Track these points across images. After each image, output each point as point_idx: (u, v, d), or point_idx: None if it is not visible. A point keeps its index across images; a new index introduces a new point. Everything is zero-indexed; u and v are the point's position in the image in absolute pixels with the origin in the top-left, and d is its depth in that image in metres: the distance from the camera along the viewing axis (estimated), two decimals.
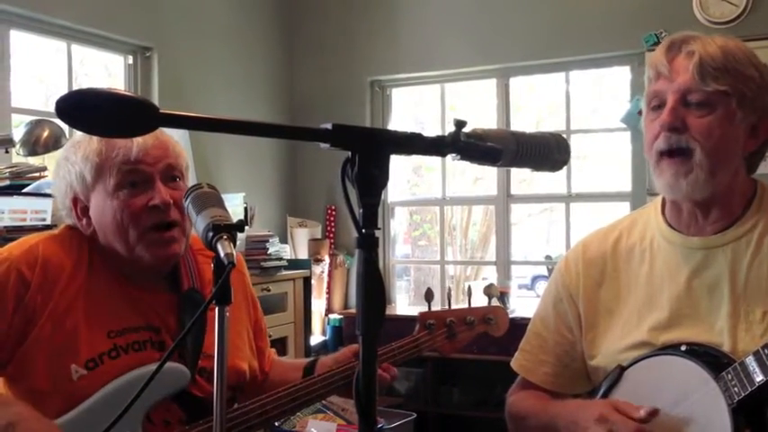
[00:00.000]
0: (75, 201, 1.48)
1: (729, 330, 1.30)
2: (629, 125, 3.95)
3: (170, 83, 3.85)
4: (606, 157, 5.73)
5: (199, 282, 1.54)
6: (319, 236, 4.53)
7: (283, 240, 4.22)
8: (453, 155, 0.97)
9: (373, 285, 0.90)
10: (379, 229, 0.90)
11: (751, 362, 1.20)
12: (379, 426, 3.12)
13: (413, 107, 5.56)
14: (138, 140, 1.43)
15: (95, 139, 1.44)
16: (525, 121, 5.67)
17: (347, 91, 4.63)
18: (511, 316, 4.03)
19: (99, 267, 1.47)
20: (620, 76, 4.25)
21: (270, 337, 3.36)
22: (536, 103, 6.28)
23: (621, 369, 1.39)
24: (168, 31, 3.86)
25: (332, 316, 4.39)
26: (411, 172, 6.07)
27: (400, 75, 4.61)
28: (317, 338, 4.27)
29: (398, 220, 4.94)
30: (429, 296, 1.73)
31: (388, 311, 4.42)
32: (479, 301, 4.20)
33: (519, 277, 4.77)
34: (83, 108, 0.76)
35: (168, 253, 1.46)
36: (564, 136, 3.37)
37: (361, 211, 0.91)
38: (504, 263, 4.45)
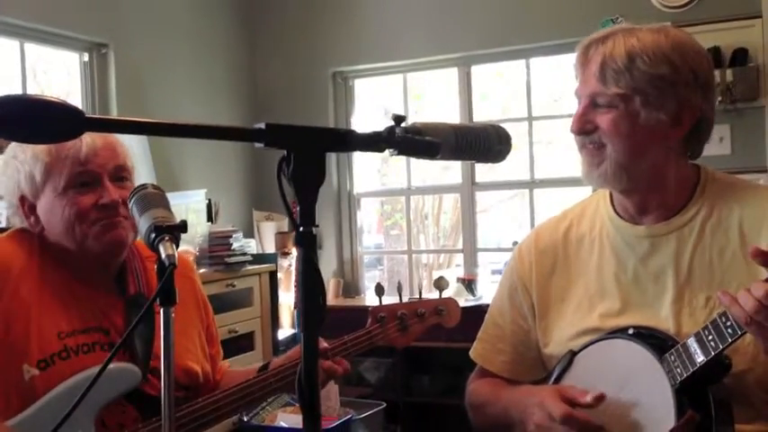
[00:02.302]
0: (22, 199, 1.48)
1: (674, 316, 1.34)
2: None
3: (128, 80, 3.80)
4: (570, 143, 5.77)
5: (146, 287, 1.55)
6: (286, 229, 4.51)
7: (249, 235, 4.21)
8: (390, 150, 0.98)
9: (313, 282, 0.91)
10: (317, 226, 0.90)
11: (692, 343, 1.22)
12: (349, 416, 3.13)
13: (376, 98, 5.55)
14: (87, 140, 1.44)
15: None
16: (491, 109, 5.69)
17: (310, 83, 4.62)
18: (479, 303, 4.06)
19: (50, 269, 1.47)
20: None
21: (235, 333, 3.40)
22: (501, 91, 6.31)
23: (572, 354, 1.42)
24: (124, 28, 3.81)
25: None
26: (381, 162, 6.08)
27: (362, 66, 4.60)
28: (286, 332, 4.27)
29: (366, 211, 4.95)
30: (379, 291, 1.76)
31: (357, 303, 4.44)
32: (447, 290, 4.21)
33: (493, 263, 4.80)
34: (7, 117, 0.75)
35: (115, 237, 1.46)
36: (526, 123, 3.38)
37: (298, 209, 0.92)
38: (470, 250, 4.48)
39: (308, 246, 0.92)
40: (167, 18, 4.09)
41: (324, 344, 1.55)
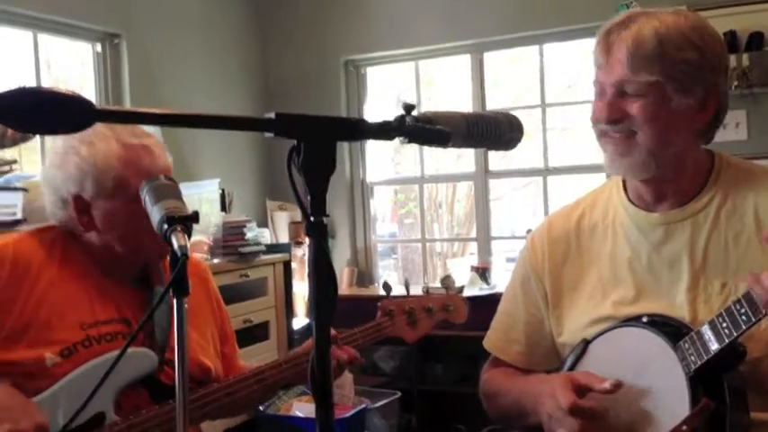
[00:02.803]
0: (78, 198, 1.49)
1: (689, 303, 1.33)
2: None
3: (141, 70, 3.81)
4: (584, 129, 5.75)
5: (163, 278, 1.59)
6: (300, 218, 4.52)
7: (263, 225, 4.22)
8: (401, 138, 0.97)
9: (324, 272, 0.92)
10: (328, 215, 0.90)
11: (706, 331, 1.22)
12: (364, 405, 3.14)
13: (389, 86, 5.54)
14: (154, 150, 1.50)
15: (111, 138, 1.47)
16: (504, 96, 5.66)
17: (322, 72, 4.61)
18: (493, 291, 4.05)
19: (74, 263, 1.51)
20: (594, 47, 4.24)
21: (250, 323, 3.41)
22: (514, 78, 6.28)
23: (586, 343, 1.42)
24: (137, 18, 3.82)
25: None
26: (394, 150, 6.06)
27: (374, 53, 4.59)
28: (300, 321, 4.28)
29: (379, 200, 4.95)
30: (387, 288, 1.79)
31: (371, 292, 4.45)
32: (461, 278, 4.20)
33: (507, 251, 4.80)
34: (19, 109, 0.75)
35: (164, 252, 1.48)
36: (539, 110, 3.35)
37: (309, 198, 0.91)
38: (484, 239, 4.47)
39: (319, 235, 0.92)
40: (180, 8, 4.09)
41: (332, 332, 1.56)
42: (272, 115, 0.87)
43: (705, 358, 1.21)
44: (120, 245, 1.49)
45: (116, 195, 1.46)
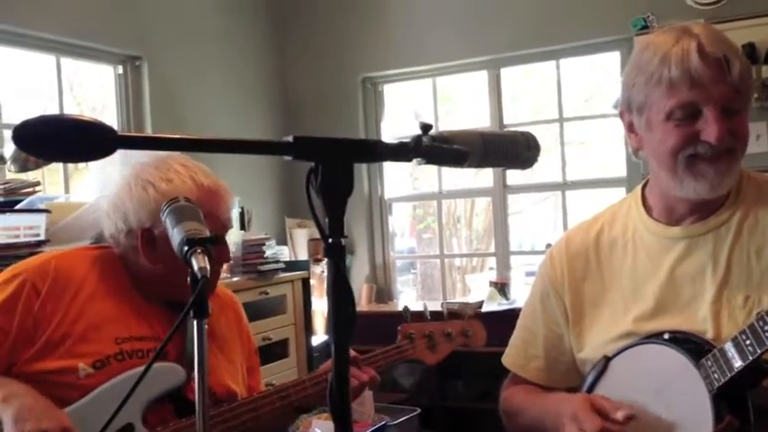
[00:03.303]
0: (147, 231, 1.52)
1: (713, 317, 1.31)
2: None
3: (161, 91, 3.86)
4: (602, 143, 5.73)
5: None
6: (318, 236, 4.53)
7: (282, 242, 4.24)
8: (418, 159, 0.98)
9: (342, 293, 0.92)
10: (346, 237, 0.91)
11: (729, 348, 1.20)
12: (384, 422, 3.13)
13: (406, 102, 5.56)
14: (224, 195, 1.59)
15: (186, 176, 1.53)
16: (522, 111, 5.66)
17: (339, 90, 4.65)
18: (512, 306, 4.03)
19: (115, 282, 1.57)
20: (611, 61, 4.24)
21: (269, 340, 3.42)
22: (532, 92, 6.28)
23: (607, 360, 1.40)
24: (157, 40, 3.87)
25: None
26: (412, 166, 6.06)
27: (391, 71, 4.61)
28: (320, 338, 4.29)
29: (398, 215, 4.95)
30: (407, 312, 1.83)
31: (390, 308, 4.44)
32: (480, 293, 4.18)
33: (527, 265, 4.78)
34: (43, 137, 0.76)
35: (213, 292, 1.63)
36: (557, 125, 3.32)
37: (326, 220, 0.92)
38: (503, 254, 4.45)
39: (337, 257, 0.93)
40: (199, 28, 4.15)
41: (353, 353, 1.59)
42: (291, 139, 0.88)
43: (729, 376, 1.19)
44: (173, 278, 1.50)
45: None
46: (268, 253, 3.50)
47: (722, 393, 1.21)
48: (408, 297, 5.87)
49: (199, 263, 1.04)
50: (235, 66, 4.39)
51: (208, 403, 1.05)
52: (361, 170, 4.62)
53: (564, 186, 4.36)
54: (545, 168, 5.03)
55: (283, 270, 3.62)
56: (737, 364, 1.19)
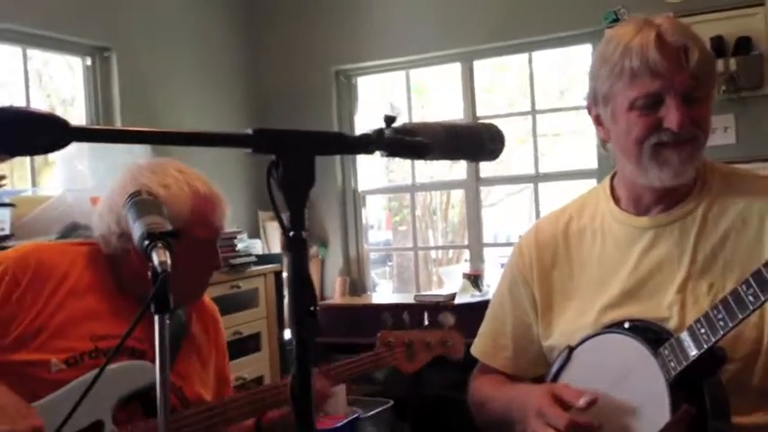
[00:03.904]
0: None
1: (679, 305, 1.33)
2: None
3: (131, 83, 3.81)
4: (576, 135, 5.77)
5: (189, 308, 1.66)
6: None
7: (254, 235, 4.21)
8: (381, 152, 0.98)
9: (303, 287, 0.91)
10: (307, 230, 0.90)
11: (686, 337, 1.22)
12: (356, 415, 3.13)
13: (380, 95, 5.55)
14: (220, 203, 1.60)
15: (183, 182, 1.54)
16: (497, 103, 5.68)
17: (313, 82, 4.62)
18: (485, 298, 4.05)
19: (96, 279, 1.57)
20: (584, 54, 4.26)
21: (241, 335, 3.40)
22: (507, 84, 6.30)
23: (570, 350, 1.42)
24: (127, 31, 3.82)
25: None
26: (387, 159, 6.04)
27: (364, 63, 4.60)
28: None
29: (374, 208, 4.95)
30: (387, 320, 1.84)
31: (364, 301, 4.44)
32: (454, 285, 4.18)
33: (502, 256, 4.80)
34: None
35: (201, 296, 1.67)
36: (528, 117, 3.31)
37: (288, 213, 0.91)
38: (476, 245, 4.47)
39: (299, 250, 0.92)
40: (169, 20, 4.10)
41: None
42: (250, 131, 0.88)
43: (684, 364, 1.21)
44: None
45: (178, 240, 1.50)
46: (239, 246, 3.48)
47: (679, 382, 1.22)
48: (384, 289, 5.89)
49: (159, 257, 1.03)
50: (207, 58, 4.35)
51: (169, 402, 1.04)
52: (335, 163, 4.60)
53: (536, 178, 4.38)
54: (519, 160, 5.06)
55: (255, 263, 3.60)
56: (693, 352, 1.20)
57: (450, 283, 4.55)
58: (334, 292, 4.57)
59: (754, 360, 1.28)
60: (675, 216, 1.38)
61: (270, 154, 0.90)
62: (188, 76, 4.17)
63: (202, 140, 0.89)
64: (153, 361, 1.47)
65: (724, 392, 1.23)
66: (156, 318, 1.03)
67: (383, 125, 0.98)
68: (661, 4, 3.69)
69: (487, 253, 4.51)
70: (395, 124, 0.99)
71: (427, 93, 6.30)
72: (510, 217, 6.81)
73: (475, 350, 1.62)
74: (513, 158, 5.62)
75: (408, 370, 1.79)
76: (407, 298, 4.24)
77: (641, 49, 1.30)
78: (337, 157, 4.56)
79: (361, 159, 4.73)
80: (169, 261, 1.03)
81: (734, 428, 1.23)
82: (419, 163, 4.75)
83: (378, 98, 5.62)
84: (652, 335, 1.29)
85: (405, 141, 0.98)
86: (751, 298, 1.13)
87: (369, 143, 0.96)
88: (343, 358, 1.71)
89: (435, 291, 4.44)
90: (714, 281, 1.32)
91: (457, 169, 4.97)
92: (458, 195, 6.93)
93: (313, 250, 4.56)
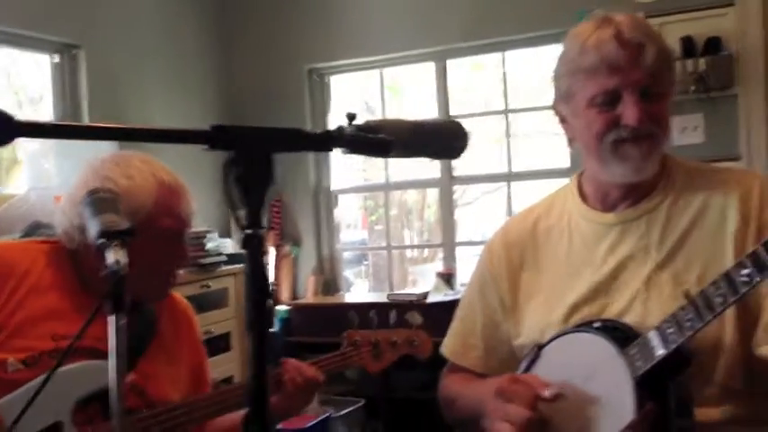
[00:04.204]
0: None
1: (643, 299, 1.34)
2: None
3: (100, 81, 3.75)
4: (550, 135, 5.80)
5: (157, 311, 1.63)
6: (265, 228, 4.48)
7: (225, 235, 4.17)
8: (342, 149, 0.97)
9: (260, 286, 0.90)
10: (264, 228, 0.89)
11: (653, 336, 1.22)
12: (327, 414, 3.12)
13: (356, 93, 5.53)
14: (185, 193, 1.57)
15: (148, 173, 1.51)
16: (473, 101, 5.69)
17: (286, 81, 4.59)
18: (458, 297, 4.05)
19: (59, 277, 1.53)
20: (556, 54, 4.27)
21: (211, 334, 3.38)
22: (483, 83, 6.32)
23: (539, 348, 1.42)
24: (95, 28, 3.77)
25: (279, 307, 4.36)
26: (363, 157, 6.03)
27: (338, 62, 4.57)
28: None
29: (348, 207, 4.93)
30: (353, 318, 1.81)
31: (336, 300, 4.42)
32: (428, 284, 4.18)
33: (476, 255, 4.80)
34: None
35: (168, 293, 1.63)
36: (503, 116, 3.33)
37: (245, 211, 0.90)
38: (449, 244, 4.47)
39: (255, 248, 0.90)
40: (139, 18, 4.04)
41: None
42: (207, 127, 0.86)
43: (651, 364, 1.21)
44: (129, 277, 1.50)
45: (143, 229, 1.44)
46: (209, 246, 3.44)
47: (645, 381, 1.22)
48: (360, 288, 5.89)
49: (114, 256, 1.01)
50: (178, 57, 4.30)
51: (124, 403, 1.02)
52: (308, 162, 4.58)
53: (509, 177, 4.39)
54: (494, 159, 5.07)
55: (225, 263, 3.57)
56: (660, 352, 1.20)
57: (423, 282, 4.55)
58: (306, 291, 4.54)
59: (717, 352, 1.29)
60: (641, 211, 1.40)
61: (228, 151, 0.88)
62: (159, 75, 4.12)
63: (158, 137, 0.87)
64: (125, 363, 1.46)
65: (689, 392, 1.24)
66: (112, 318, 1.00)
67: (346, 122, 0.98)
68: (632, 4, 3.72)
69: (462, 252, 4.51)
70: (357, 121, 0.99)
71: (403, 92, 6.30)
72: (486, 216, 6.84)
73: (445, 350, 1.62)
74: (488, 157, 5.64)
75: (374, 369, 1.77)
76: (382, 297, 4.23)
77: (599, 46, 1.31)
78: (310, 156, 4.53)
79: (335, 158, 4.71)
80: (124, 260, 1.01)
81: (698, 426, 1.23)
82: (394, 162, 4.74)
83: (352, 97, 5.60)
84: (621, 334, 1.30)
85: (366, 138, 0.98)
86: (719, 299, 1.14)
87: (329, 140, 0.96)
88: (313, 358, 1.70)
89: (408, 290, 4.43)
90: (677, 272, 1.33)
91: (432, 168, 4.97)
92: (434, 194, 6.94)
93: (285, 249, 4.53)
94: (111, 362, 1.02)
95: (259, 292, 0.88)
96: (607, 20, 1.34)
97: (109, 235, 1.04)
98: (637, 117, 1.30)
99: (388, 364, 1.79)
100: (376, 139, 0.98)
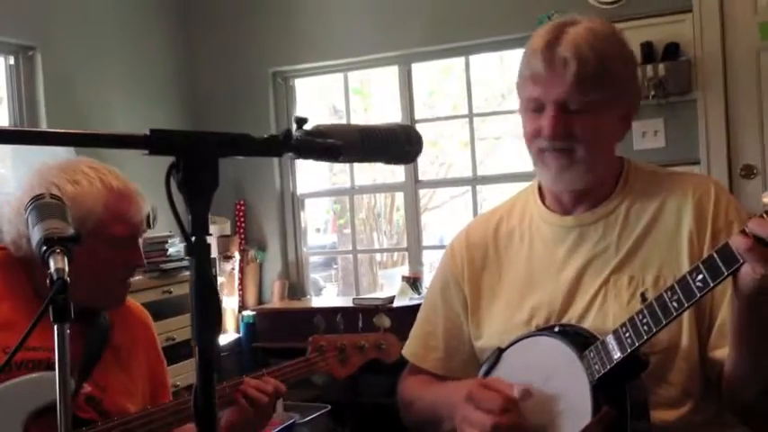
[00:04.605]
0: None
1: (601, 299, 1.36)
2: None
3: (57, 83, 3.69)
4: (516, 139, 5.83)
5: (116, 323, 1.60)
6: (229, 232, 4.45)
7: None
8: (289, 154, 0.96)
9: (207, 293, 0.88)
10: (211, 234, 0.87)
11: (611, 340, 1.24)
12: (292, 420, 3.09)
13: (322, 97, 5.51)
14: (137, 198, 1.53)
15: (95, 179, 1.48)
16: (440, 106, 5.70)
17: (250, 84, 4.55)
18: (423, 300, 4.05)
19: (11, 284, 1.49)
20: (518, 58, 4.30)
21: (173, 341, 3.33)
22: (450, 88, 6.34)
23: (500, 351, 1.43)
24: (52, 29, 3.70)
25: (245, 313, 4.33)
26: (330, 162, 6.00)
27: (302, 65, 4.55)
28: (230, 336, 4.21)
29: (318, 211, 4.89)
30: (319, 323, 1.80)
31: (303, 305, 4.40)
32: (394, 288, 4.16)
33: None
34: None
35: (123, 296, 1.60)
36: (467, 120, 3.33)
37: (190, 217, 0.88)
38: (415, 248, 4.47)
39: (201, 255, 0.89)
40: (99, 20, 3.98)
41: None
42: (147, 132, 0.84)
43: (608, 367, 1.23)
44: (78, 286, 1.46)
45: (91, 238, 1.43)
46: (171, 251, 3.40)
47: (602, 384, 1.24)
48: (330, 292, 5.87)
49: (57, 263, 0.99)
50: (139, 59, 4.23)
51: (70, 414, 1.00)
52: (273, 166, 4.55)
53: (474, 181, 4.40)
54: (461, 163, 5.08)
55: (188, 268, 3.51)
56: (617, 355, 1.22)
57: (390, 286, 4.54)
58: (272, 296, 4.51)
59: (673, 354, 1.31)
60: (599, 215, 1.41)
61: (169, 156, 0.87)
62: (120, 78, 4.06)
63: (95, 141, 0.85)
64: (71, 372, 1.43)
65: (645, 395, 1.25)
66: (56, 327, 0.98)
67: (294, 126, 0.97)
68: (593, 9, 3.76)
69: (428, 255, 4.51)
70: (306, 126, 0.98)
71: (371, 95, 6.29)
72: (452, 220, 6.86)
73: (406, 352, 1.62)
74: (456, 161, 5.66)
75: (341, 375, 1.75)
76: (350, 301, 4.22)
77: (532, 55, 1.34)
78: (275, 160, 4.50)
79: (302, 163, 4.68)
80: (67, 268, 0.98)
81: (654, 428, 1.25)
82: (363, 166, 4.73)
83: (319, 101, 5.58)
84: (580, 338, 1.31)
85: (314, 143, 0.97)
86: (675, 304, 1.16)
87: (277, 145, 0.94)
88: (279, 363, 1.67)
89: (374, 294, 4.42)
90: (634, 274, 1.35)
91: (398, 172, 4.97)
92: (402, 199, 6.95)
93: (251, 254, 4.49)
94: (57, 373, 1.00)
95: (206, 300, 0.87)
96: (560, 27, 1.34)
97: (52, 242, 1.02)
98: (549, 131, 1.33)
99: (355, 368, 1.76)
100: (325, 144, 0.97)
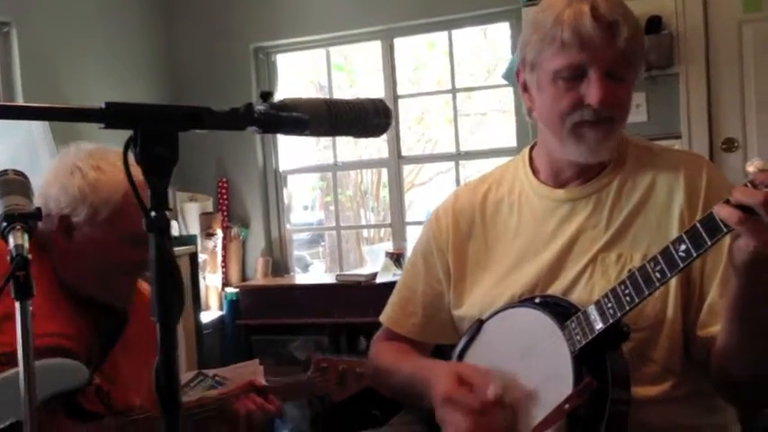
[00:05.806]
0: (65, 218, 1.46)
1: (588, 275, 1.36)
2: (510, 81, 3.99)
3: (33, 59, 3.63)
4: (500, 114, 5.81)
5: (135, 307, 1.58)
6: (211, 209, 4.42)
7: (171, 217, 4.10)
8: (253, 128, 0.95)
9: (167, 269, 0.87)
10: (171, 210, 0.86)
11: (592, 311, 1.24)
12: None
13: (304, 72, 5.46)
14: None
15: (119, 169, 1.44)
16: (425, 81, 5.66)
17: (231, 59, 4.49)
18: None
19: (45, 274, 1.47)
20: (502, 32, 4.28)
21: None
22: (433, 64, 6.30)
23: (480, 322, 1.43)
24: (28, 5, 3.63)
25: (228, 290, 4.32)
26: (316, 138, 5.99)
27: (283, 40, 4.50)
28: (213, 314, 4.20)
29: (301, 187, 4.87)
30: (307, 362, 1.77)
31: (286, 281, 4.39)
32: (379, 263, 4.13)
33: None
34: None
35: (132, 295, 1.56)
36: (450, 96, 3.31)
37: (149, 192, 0.87)
38: (399, 224, 4.47)
39: (162, 231, 0.88)
40: None
41: (262, 381, 1.58)
42: (103, 105, 0.83)
43: (590, 337, 1.23)
44: (89, 276, 1.47)
45: (106, 226, 1.44)
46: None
47: (583, 355, 1.24)
48: (317, 269, 5.87)
49: (16, 240, 0.97)
50: (116, 34, 4.16)
51: (34, 403, 0.98)
52: (255, 142, 4.51)
53: (457, 157, 4.39)
54: (446, 139, 5.06)
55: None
56: (598, 326, 1.22)
57: (374, 261, 4.54)
58: (256, 273, 4.50)
59: (658, 331, 1.31)
60: (591, 189, 1.40)
61: (126, 129, 0.85)
62: (98, 53, 4.00)
63: (52, 114, 0.84)
64: (84, 361, 1.43)
65: (626, 365, 1.25)
66: (18, 305, 0.97)
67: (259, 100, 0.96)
68: None
69: (413, 231, 4.50)
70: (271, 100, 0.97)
71: (354, 72, 6.24)
72: (440, 196, 6.85)
73: (383, 317, 1.61)
74: (441, 137, 5.64)
75: (339, 398, 1.72)
76: (330, 278, 4.21)
77: (574, 20, 1.29)
78: (257, 136, 4.47)
79: (285, 139, 4.64)
80: (26, 245, 0.97)
81: (633, 399, 1.25)
82: (346, 142, 4.70)
83: (302, 76, 5.53)
84: (561, 309, 1.31)
85: (279, 117, 0.96)
86: (658, 275, 1.16)
87: (239, 119, 0.93)
88: (262, 339, 1.66)
89: (358, 270, 4.42)
90: (623, 252, 1.35)
91: (383, 148, 4.95)
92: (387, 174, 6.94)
93: (234, 231, 4.47)
94: (20, 354, 0.99)
95: (166, 276, 0.86)
96: None
97: (13, 218, 1.00)
98: (599, 97, 1.30)
99: (350, 394, 1.73)
100: (290, 118, 0.96)
